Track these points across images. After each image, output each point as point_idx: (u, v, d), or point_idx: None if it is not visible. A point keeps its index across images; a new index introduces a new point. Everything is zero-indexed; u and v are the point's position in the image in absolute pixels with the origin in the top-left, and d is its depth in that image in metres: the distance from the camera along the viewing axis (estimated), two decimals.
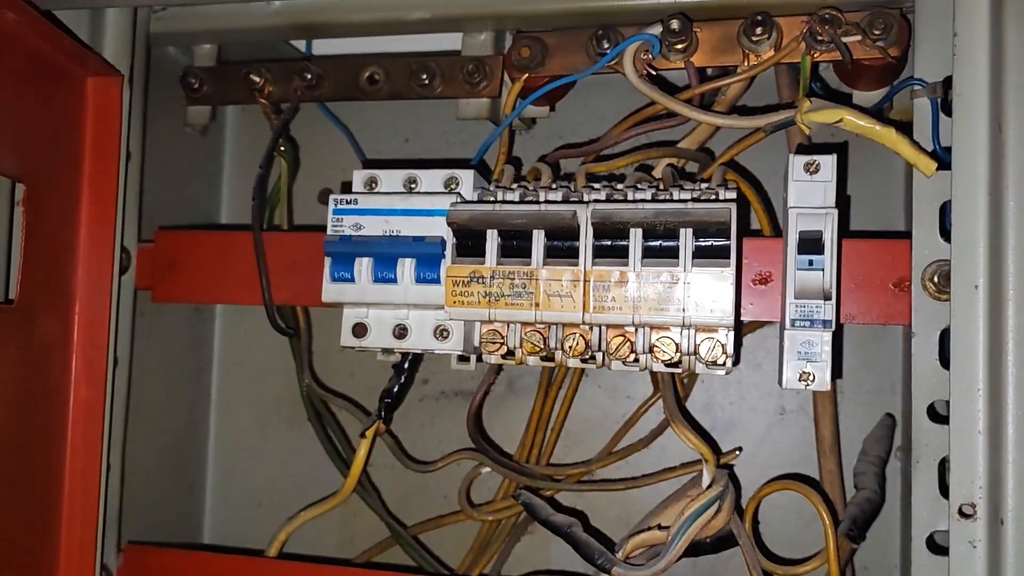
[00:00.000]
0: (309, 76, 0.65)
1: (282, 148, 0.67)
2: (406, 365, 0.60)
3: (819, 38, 0.54)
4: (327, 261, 0.54)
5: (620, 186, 0.55)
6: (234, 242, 0.63)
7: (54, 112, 0.57)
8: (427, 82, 0.63)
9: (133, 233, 0.64)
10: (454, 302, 0.51)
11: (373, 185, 0.57)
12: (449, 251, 0.52)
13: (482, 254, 0.51)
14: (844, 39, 0.54)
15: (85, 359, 0.59)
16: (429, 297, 0.53)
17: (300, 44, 0.74)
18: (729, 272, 0.48)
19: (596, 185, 0.55)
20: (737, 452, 0.65)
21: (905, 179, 0.65)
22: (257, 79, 0.65)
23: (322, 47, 0.72)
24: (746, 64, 0.57)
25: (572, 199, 0.53)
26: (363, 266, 0.54)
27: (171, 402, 0.73)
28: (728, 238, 0.48)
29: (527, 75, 0.60)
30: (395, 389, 0.60)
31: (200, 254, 0.64)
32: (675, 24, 0.55)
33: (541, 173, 0.59)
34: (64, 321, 0.58)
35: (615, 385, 0.72)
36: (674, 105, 0.56)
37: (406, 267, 0.53)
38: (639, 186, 0.54)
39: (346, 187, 0.58)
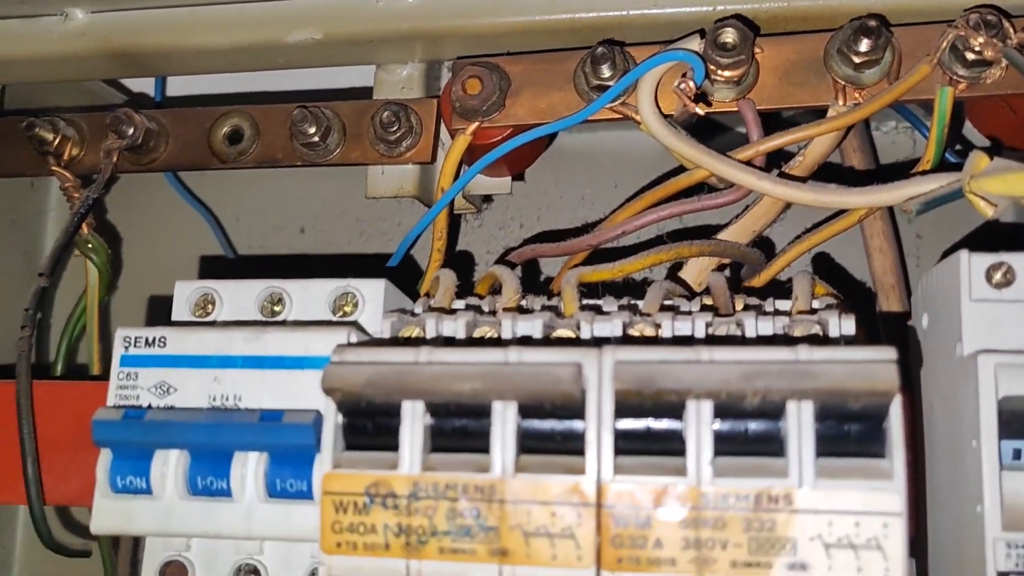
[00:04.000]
0: (132, 131, 0.41)
1: (89, 244, 0.42)
2: None
3: (968, 57, 0.32)
4: (102, 457, 0.29)
5: (643, 306, 0.31)
6: None
7: None
8: (316, 140, 0.39)
9: None
10: (336, 544, 0.26)
11: (209, 308, 0.32)
12: (329, 440, 0.27)
13: (394, 447, 0.26)
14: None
15: None
16: (290, 527, 0.28)
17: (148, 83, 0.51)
18: (895, 487, 0.24)
19: (606, 307, 0.31)
20: None
21: None
22: (49, 136, 0.41)
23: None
24: (841, 102, 0.34)
25: (560, 335, 0.29)
26: (169, 467, 0.28)
27: None
28: (888, 420, 0.24)
29: (477, 125, 0.37)
30: None
31: None
32: (729, 36, 0.33)
33: (503, 283, 0.35)
34: None
35: None
36: (729, 170, 0.33)
37: (248, 470, 0.28)
38: (682, 309, 0.30)
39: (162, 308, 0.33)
